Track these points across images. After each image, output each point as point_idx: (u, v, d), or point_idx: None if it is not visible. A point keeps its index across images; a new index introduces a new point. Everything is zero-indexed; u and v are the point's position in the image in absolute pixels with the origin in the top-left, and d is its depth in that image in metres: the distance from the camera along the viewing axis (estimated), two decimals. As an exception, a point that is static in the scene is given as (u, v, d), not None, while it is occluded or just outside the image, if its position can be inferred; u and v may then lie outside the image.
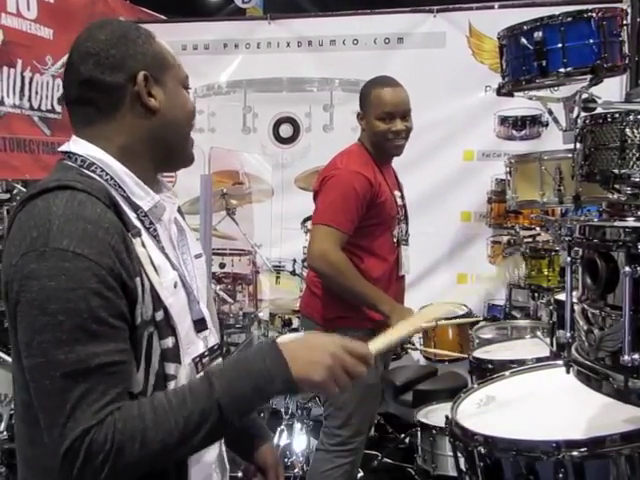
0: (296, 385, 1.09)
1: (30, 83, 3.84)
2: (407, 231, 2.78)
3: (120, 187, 1.13)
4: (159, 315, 1.09)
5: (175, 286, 1.15)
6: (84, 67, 1.14)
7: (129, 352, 1.05)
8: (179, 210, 1.32)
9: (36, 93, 3.89)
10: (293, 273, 4.37)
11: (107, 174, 1.13)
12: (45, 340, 0.99)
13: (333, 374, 1.11)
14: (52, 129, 4.04)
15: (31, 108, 3.87)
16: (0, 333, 3.75)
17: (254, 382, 1.07)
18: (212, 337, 1.27)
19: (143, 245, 1.10)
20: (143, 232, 1.12)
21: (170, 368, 1.11)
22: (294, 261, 4.37)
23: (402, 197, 2.79)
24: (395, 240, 2.66)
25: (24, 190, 4.03)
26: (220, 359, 1.27)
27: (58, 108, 4.09)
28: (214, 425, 1.05)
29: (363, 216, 2.51)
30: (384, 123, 2.57)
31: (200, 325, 1.21)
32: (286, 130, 4.77)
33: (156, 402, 1.04)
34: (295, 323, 4.30)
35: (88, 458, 0.98)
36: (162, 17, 5.28)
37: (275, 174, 4.65)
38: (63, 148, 1.17)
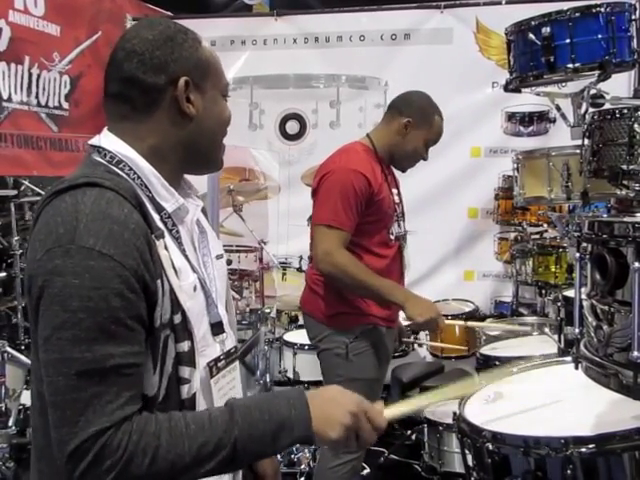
0: (313, 439, 1.12)
1: (37, 80, 3.83)
2: (405, 229, 2.77)
3: (146, 187, 1.13)
4: (177, 318, 1.09)
5: (194, 289, 1.15)
6: (127, 64, 1.14)
7: (143, 355, 1.05)
8: (203, 210, 1.32)
9: (43, 90, 3.89)
10: (299, 270, 4.37)
11: (135, 173, 1.12)
12: (63, 337, 0.99)
13: (348, 434, 1.13)
14: (59, 126, 4.04)
15: (38, 105, 3.87)
16: (8, 330, 3.77)
17: (274, 427, 1.09)
18: (229, 340, 1.26)
19: (165, 247, 1.10)
20: (166, 234, 1.12)
21: (184, 372, 1.11)
22: (300, 258, 4.37)
23: (399, 194, 2.78)
24: (393, 237, 2.65)
25: (32, 186, 4.05)
26: (237, 362, 1.28)
27: (65, 105, 4.09)
28: (225, 459, 1.05)
29: (362, 213, 2.50)
30: (425, 149, 2.68)
31: (217, 329, 1.21)
32: (292, 127, 4.77)
33: (173, 423, 1.04)
34: (301, 320, 4.30)
35: (96, 461, 0.98)
36: (168, 14, 5.28)
37: (282, 171, 4.65)
38: (93, 141, 1.17)
